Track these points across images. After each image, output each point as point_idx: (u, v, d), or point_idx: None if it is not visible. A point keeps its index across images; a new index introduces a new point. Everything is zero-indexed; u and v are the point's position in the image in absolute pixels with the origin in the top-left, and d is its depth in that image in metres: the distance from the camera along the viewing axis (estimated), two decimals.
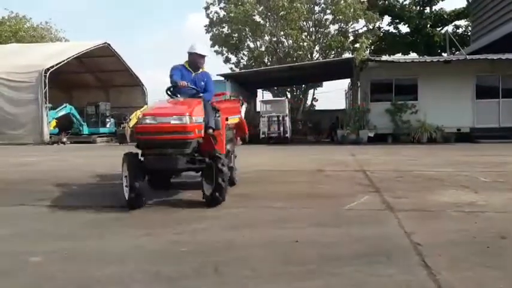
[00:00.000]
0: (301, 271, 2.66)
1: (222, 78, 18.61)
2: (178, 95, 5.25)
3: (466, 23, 32.41)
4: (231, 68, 27.99)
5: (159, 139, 4.49)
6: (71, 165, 9.60)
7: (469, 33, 30.06)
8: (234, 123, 6.14)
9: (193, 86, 5.25)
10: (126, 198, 4.52)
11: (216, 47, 27.92)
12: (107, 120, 22.46)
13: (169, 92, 5.38)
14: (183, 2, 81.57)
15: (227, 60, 28.36)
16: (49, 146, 17.84)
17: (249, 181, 6.50)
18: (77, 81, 24.59)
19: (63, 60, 19.80)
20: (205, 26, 28.01)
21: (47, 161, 10.63)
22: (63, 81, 22.80)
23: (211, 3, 27.40)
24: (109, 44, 22.37)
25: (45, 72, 18.69)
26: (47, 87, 18.75)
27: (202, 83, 5.42)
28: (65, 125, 20.73)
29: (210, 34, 27.87)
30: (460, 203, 4.51)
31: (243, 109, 6.73)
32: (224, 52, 28.10)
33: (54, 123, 19.86)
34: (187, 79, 5.30)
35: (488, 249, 2.98)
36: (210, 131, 4.96)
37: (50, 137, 18.92)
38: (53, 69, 19.08)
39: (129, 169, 4.55)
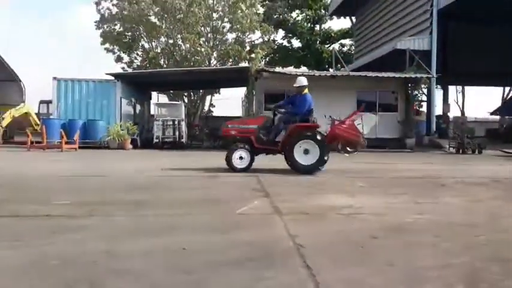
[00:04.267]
0: (185, 280, 2.55)
1: (112, 78, 17.56)
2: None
3: (351, 42, 35.59)
4: (123, 68, 26.72)
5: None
6: None
7: (353, 52, 33.03)
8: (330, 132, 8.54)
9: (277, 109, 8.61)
10: None
11: (107, 45, 26.43)
12: None
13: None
14: None
15: (119, 59, 27.01)
16: None
17: (136, 188, 6.19)
18: None
19: None
20: (95, 22, 26.35)
21: None
22: None
23: None
24: None
25: None
26: None
27: (298, 102, 8.41)
28: None
29: (101, 31, 26.30)
30: (340, 206, 4.82)
31: (366, 120, 8.87)
32: (116, 50, 26.72)
33: None
34: (294, 101, 8.58)
35: (362, 249, 3.21)
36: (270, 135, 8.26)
37: None
38: None
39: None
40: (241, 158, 8.03)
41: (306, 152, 8.02)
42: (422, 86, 18.52)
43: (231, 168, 7.98)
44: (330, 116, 9.13)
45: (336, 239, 3.46)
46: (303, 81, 8.51)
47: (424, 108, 21.51)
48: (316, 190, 6.04)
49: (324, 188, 6.24)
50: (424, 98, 20.41)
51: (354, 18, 30.70)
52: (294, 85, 8.54)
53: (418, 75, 17.13)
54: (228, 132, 8.46)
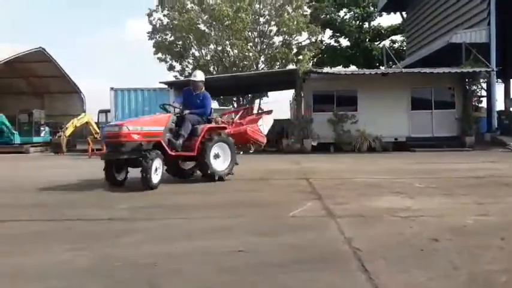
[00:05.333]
0: (239, 281, 2.57)
1: (166, 86, 18.19)
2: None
3: (402, 38, 34.44)
4: (175, 76, 27.58)
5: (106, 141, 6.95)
6: None
7: (405, 48, 31.93)
8: (236, 132, 7.87)
9: (175, 106, 7.22)
10: None
11: (160, 54, 27.41)
12: (41, 128, 21.16)
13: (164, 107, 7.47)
14: (121, 7, 79.61)
15: (171, 68, 27.93)
16: None
17: (189, 191, 6.34)
18: (7, 87, 23.00)
19: None
20: (148, 33, 27.44)
21: None
22: None
23: (154, 10, 26.92)
24: (44, 49, 21.18)
25: None
26: None
27: (198, 101, 7.41)
28: None
29: (153, 41, 27.33)
30: (396, 208, 4.66)
31: (265, 121, 8.37)
32: (168, 60, 27.65)
33: None
34: (189, 98, 7.48)
35: (422, 252, 3.07)
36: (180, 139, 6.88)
37: None
38: None
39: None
40: (156, 169, 6.35)
41: (217, 156, 7.20)
42: (481, 80, 17.51)
43: (146, 185, 6.17)
44: (220, 116, 8.82)
45: (394, 242, 3.35)
46: (202, 76, 7.62)
47: (484, 104, 20.33)
48: (370, 192, 5.89)
49: (379, 190, 6.06)
50: (484, 93, 19.27)
51: (404, 14, 29.69)
52: (193, 79, 7.55)
53: (477, 69, 16.22)
54: (129, 136, 6.34)
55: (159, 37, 27.28)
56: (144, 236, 3.63)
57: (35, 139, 20.37)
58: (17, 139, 19.82)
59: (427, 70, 16.09)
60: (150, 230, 3.87)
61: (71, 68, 63.31)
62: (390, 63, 27.46)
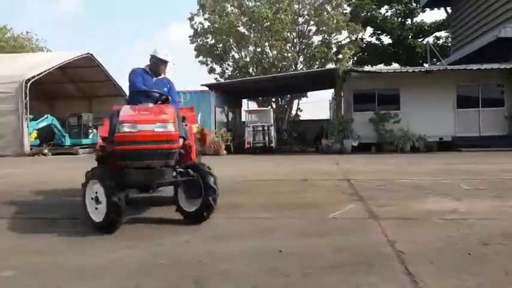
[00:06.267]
0: (284, 283, 2.60)
1: (207, 89, 18.55)
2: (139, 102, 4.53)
3: (446, 34, 33.20)
4: (215, 78, 28.01)
5: (141, 149, 3.89)
6: (51, 177, 9.38)
7: (449, 44, 30.75)
8: (198, 133, 5.84)
9: (165, 94, 4.68)
10: (96, 220, 3.94)
11: (201, 57, 27.94)
12: (90, 131, 22.14)
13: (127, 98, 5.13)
14: (165, 12, 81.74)
15: (212, 71, 28.40)
16: (29, 157, 17.46)
17: (232, 191, 6.44)
18: (58, 91, 24.25)
19: (45, 71, 19.47)
20: (189, 37, 28.05)
21: (26, 173, 10.37)
22: (44, 91, 22.46)
23: (195, 14, 27.48)
24: (92, 55, 22.15)
25: (26, 83, 18.35)
26: (27, 98, 18.39)
27: (165, 89, 4.89)
28: (46, 136, 20.36)
29: (195, 44, 27.89)
30: (442, 210, 4.53)
31: (198, 118, 6.43)
32: (209, 62, 28.14)
33: (34, 134, 19.48)
34: (148, 83, 4.80)
35: (470, 256, 2.98)
36: (181, 140, 4.37)
37: (31, 149, 18.53)
38: (34, 79, 18.75)
39: (105, 186, 3.86)
40: None
41: None
42: None
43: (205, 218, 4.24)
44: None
45: (440, 245, 3.26)
46: (168, 53, 4.92)
47: None
48: (414, 194, 5.75)
49: (423, 192, 5.91)
50: None
51: (449, 9, 28.59)
52: (164, 58, 4.87)
53: None
54: (178, 141, 4.17)
55: (200, 40, 27.81)
56: (192, 236, 3.74)
57: (84, 141, 21.33)
58: (68, 141, 20.85)
59: (474, 66, 15.43)
60: (197, 230, 3.97)
61: (116, 72, 65.91)
62: (434, 60, 26.52)
